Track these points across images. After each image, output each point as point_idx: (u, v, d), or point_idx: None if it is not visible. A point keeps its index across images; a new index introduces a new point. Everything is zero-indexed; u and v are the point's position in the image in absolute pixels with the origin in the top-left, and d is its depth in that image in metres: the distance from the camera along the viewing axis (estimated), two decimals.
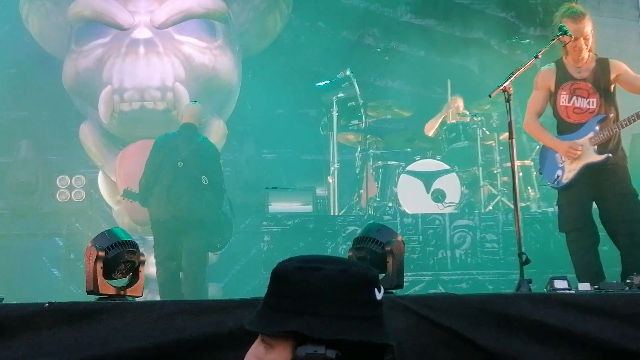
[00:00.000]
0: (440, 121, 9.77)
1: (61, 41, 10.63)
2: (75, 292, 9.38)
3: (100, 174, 10.69)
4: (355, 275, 1.84)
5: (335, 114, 9.23)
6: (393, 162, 9.23)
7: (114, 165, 10.39)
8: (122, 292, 4.20)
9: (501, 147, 9.07)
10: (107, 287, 4.14)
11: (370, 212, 8.89)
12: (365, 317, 1.83)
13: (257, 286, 9.03)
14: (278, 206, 8.82)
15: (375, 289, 1.87)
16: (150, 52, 9.99)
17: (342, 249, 8.06)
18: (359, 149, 9.62)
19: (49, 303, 3.63)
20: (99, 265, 4.11)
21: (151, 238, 10.23)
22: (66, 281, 9.92)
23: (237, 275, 10.58)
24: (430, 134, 9.82)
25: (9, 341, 3.51)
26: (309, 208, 8.83)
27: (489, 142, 9.21)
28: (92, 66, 10.15)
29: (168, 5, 10.18)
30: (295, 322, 1.80)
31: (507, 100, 5.07)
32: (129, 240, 4.26)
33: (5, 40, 11.07)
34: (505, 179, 8.95)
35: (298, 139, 11.00)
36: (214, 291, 9.92)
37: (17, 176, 10.23)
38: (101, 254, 4.12)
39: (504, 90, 5.04)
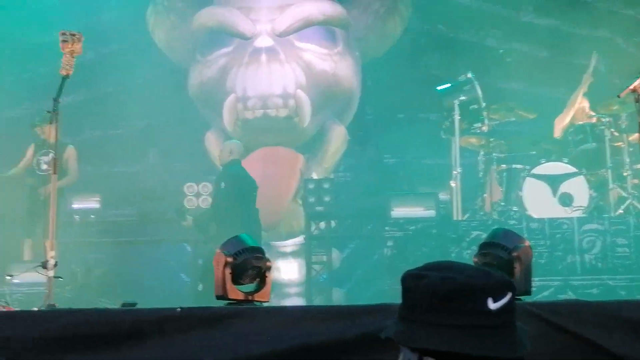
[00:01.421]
0: (570, 115, 9.48)
1: (186, 51, 10.94)
2: (206, 298, 9.57)
3: None
4: (460, 283, 1.79)
5: (457, 118, 9.11)
6: (518, 166, 9.02)
7: None
8: (250, 297, 4.26)
9: (631, 149, 8.74)
10: (236, 292, 4.20)
11: (494, 216, 8.72)
12: (469, 326, 1.78)
13: (379, 291, 8.99)
14: (400, 211, 8.78)
15: (489, 299, 1.80)
16: (272, 60, 10.15)
17: (466, 254, 7.94)
18: (481, 152, 9.46)
19: (181, 308, 3.72)
20: (228, 270, 4.19)
21: (277, 243, 10.39)
22: (195, 286, 10.14)
23: (360, 280, 10.57)
24: (559, 128, 9.54)
25: (143, 344, 3.61)
26: (431, 213, 8.76)
27: (617, 144, 8.89)
28: (216, 75, 10.40)
29: (289, 14, 10.32)
30: (395, 328, 1.80)
31: (638, 101, 4.89)
32: (256, 246, 4.33)
33: (133, 52, 11.45)
34: (636, 181, 8.63)
35: (419, 143, 10.90)
36: (337, 296, 9.98)
37: (146, 183, 10.54)
38: (230, 259, 4.20)
39: (634, 90, 4.86)
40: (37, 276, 6.18)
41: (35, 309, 5.32)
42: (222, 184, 8.87)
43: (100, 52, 10.87)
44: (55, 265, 5.14)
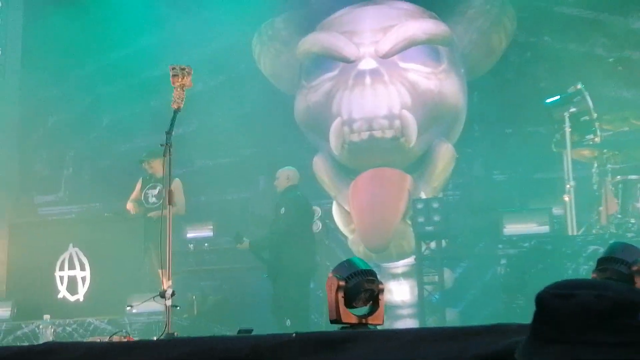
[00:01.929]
0: None
1: (291, 78, 11.10)
2: (318, 321, 9.63)
3: (334, 204, 10.98)
4: (612, 299, 1.75)
5: (568, 130, 8.91)
6: (634, 176, 8.73)
7: (347, 194, 10.65)
8: (364, 321, 4.26)
9: None
10: (349, 316, 4.21)
11: (611, 230, 8.45)
12: (622, 343, 1.74)
13: (495, 311, 8.82)
14: (513, 228, 8.63)
15: None
16: (376, 82, 10.19)
17: (583, 270, 7.71)
18: (595, 164, 9.19)
19: (296, 333, 3.74)
20: (340, 294, 4.19)
21: (388, 265, 10.36)
22: (309, 310, 10.21)
23: (473, 300, 10.40)
24: None
25: None
26: (545, 228, 8.57)
27: None
28: (321, 100, 10.51)
29: (392, 35, 10.34)
30: (550, 349, 1.75)
31: None
32: (367, 269, 4.32)
33: (240, 81, 11.71)
34: None
35: (529, 158, 10.69)
36: (450, 316, 9.86)
37: (257, 210, 10.70)
38: (342, 283, 4.20)
39: None
40: (155, 305, 6.37)
41: (155, 338, 5.47)
42: (282, 210, 9.00)
43: (208, 84, 11.16)
44: (173, 294, 5.26)
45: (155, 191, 9.67)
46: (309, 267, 9.11)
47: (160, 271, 9.12)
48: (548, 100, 9.22)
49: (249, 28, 11.54)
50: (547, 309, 1.79)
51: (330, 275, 4.30)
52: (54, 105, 12.61)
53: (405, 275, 10.61)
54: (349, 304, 4.24)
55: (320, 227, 10.41)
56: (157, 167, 9.32)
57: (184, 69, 5.47)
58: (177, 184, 9.40)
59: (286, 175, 9.27)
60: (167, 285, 5.25)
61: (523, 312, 7.99)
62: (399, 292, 10.48)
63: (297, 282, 8.95)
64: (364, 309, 4.38)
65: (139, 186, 9.85)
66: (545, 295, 1.82)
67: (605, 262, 4.17)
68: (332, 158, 10.70)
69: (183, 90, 5.49)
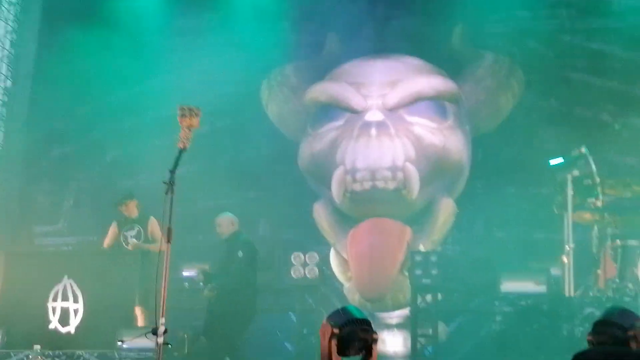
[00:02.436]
0: None
1: (297, 125, 11.20)
2: None
3: (332, 251, 10.97)
4: None
5: (570, 192, 8.94)
6: (633, 242, 8.75)
7: (345, 242, 10.65)
8: None
9: None
10: None
11: (609, 293, 8.44)
12: None
13: None
14: (510, 286, 8.61)
15: None
16: (382, 134, 10.26)
17: (578, 332, 7.71)
18: (595, 227, 9.22)
19: None
20: (334, 342, 4.17)
21: (383, 314, 10.32)
22: (300, 356, 10.15)
23: (467, 355, 10.33)
24: None
25: None
26: (542, 288, 8.57)
27: None
28: (326, 148, 10.58)
29: (400, 88, 10.44)
30: None
31: None
32: (362, 319, 4.30)
33: (246, 125, 11.79)
34: None
35: (530, 218, 10.72)
36: None
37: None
38: (336, 331, 4.18)
39: None
40: (147, 342, 6.32)
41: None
42: (240, 253, 9.12)
43: (215, 126, 11.23)
44: (165, 332, 5.23)
45: (134, 232, 10.04)
46: (253, 310, 9.32)
47: (137, 308, 9.26)
48: (552, 162, 9.27)
49: (259, 74, 11.65)
50: None
51: (324, 322, 4.28)
52: (60, 138, 12.67)
53: (399, 326, 10.57)
54: (342, 352, 4.22)
55: (317, 273, 10.39)
56: (132, 208, 10.00)
57: (192, 110, 5.51)
58: (154, 222, 9.75)
59: (230, 221, 9.39)
60: (160, 322, 5.22)
61: None
62: (392, 342, 10.43)
63: (240, 325, 9.14)
64: (356, 358, 4.36)
65: (115, 229, 10.18)
66: None
67: (601, 326, 4.17)
68: (333, 205, 10.72)
69: (190, 131, 5.52)
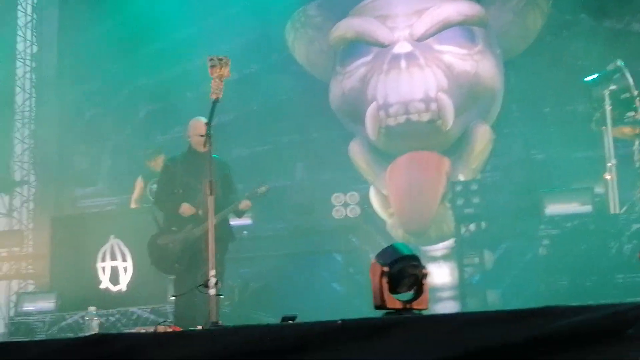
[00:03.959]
0: None
1: (326, 65, 11.10)
2: (359, 307, 9.62)
3: (371, 189, 10.96)
4: None
5: (608, 108, 8.79)
6: None
7: (384, 179, 10.63)
8: (408, 306, 4.25)
9: None
10: (394, 302, 4.20)
11: None
12: None
13: (536, 292, 8.75)
14: (555, 208, 8.55)
15: None
16: (411, 66, 10.14)
17: (627, 249, 7.65)
18: (636, 141, 9.07)
19: (342, 320, 3.74)
20: (384, 280, 4.18)
21: (428, 248, 10.34)
22: (349, 295, 10.22)
23: (515, 281, 10.32)
24: None
25: (310, 358, 3.66)
26: (588, 208, 8.48)
27: None
28: (357, 85, 10.49)
29: (426, 17, 10.29)
30: None
31: None
32: (411, 255, 4.31)
33: (275, 69, 11.72)
34: None
35: (568, 137, 10.57)
36: (491, 298, 9.82)
37: (295, 197, 10.71)
38: (385, 269, 4.19)
39: None
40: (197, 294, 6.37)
41: (199, 327, 5.50)
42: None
43: (243, 73, 11.18)
44: (216, 283, 5.28)
45: None
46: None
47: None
48: (587, 79, 9.11)
49: (283, 16, 11.52)
50: None
51: (373, 261, 4.29)
52: (91, 99, 12.73)
53: (445, 257, 10.58)
54: (393, 289, 4.24)
55: (359, 212, 10.41)
56: (159, 163, 9.83)
57: (221, 60, 5.47)
58: None
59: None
60: (210, 274, 5.27)
61: (566, 293, 7.95)
62: (439, 274, 10.45)
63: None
64: (408, 294, 4.37)
65: (141, 184, 10.34)
66: None
67: None
68: (369, 143, 10.68)
69: (222, 81, 5.49)
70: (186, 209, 7.46)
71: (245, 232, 10.49)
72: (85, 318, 8.57)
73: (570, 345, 3.36)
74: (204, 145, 5.64)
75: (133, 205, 10.48)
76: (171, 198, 7.53)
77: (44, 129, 12.62)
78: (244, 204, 7.70)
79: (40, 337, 8.94)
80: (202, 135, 5.62)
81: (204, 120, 6.02)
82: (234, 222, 10.51)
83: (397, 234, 10.49)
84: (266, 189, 7.86)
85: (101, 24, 11.84)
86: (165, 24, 11.56)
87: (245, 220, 10.42)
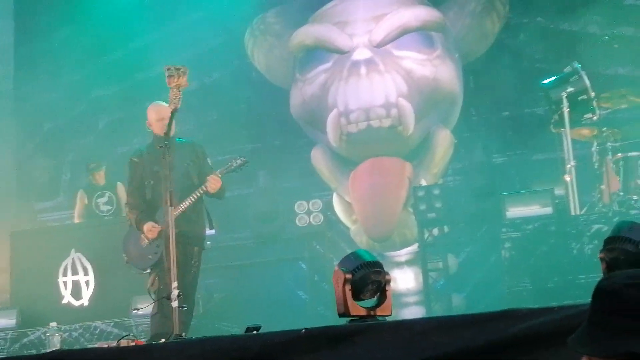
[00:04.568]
0: None
1: (286, 72, 11.08)
2: (324, 314, 9.61)
3: (334, 196, 10.96)
4: None
5: (566, 110, 8.87)
6: (634, 153, 8.71)
7: (347, 186, 10.63)
8: (372, 313, 4.24)
9: None
10: (358, 309, 4.19)
11: (614, 208, 8.44)
12: None
13: (500, 295, 8.82)
14: (516, 211, 8.60)
15: None
16: (371, 72, 10.16)
17: (588, 249, 7.72)
18: (595, 143, 9.17)
19: (305, 329, 3.73)
20: (347, 287, 4.18)
21: (392, 253, 10.36)
22: (314, 303, 10.20)
23: (479, 285, 10.38)
24: None
25: None
26: (548, 210, 8.54)
27: None
28: (317, 92, 10.49)
29: (385, 23, 10.32)
30: (635, 341, 1.70)
31: None
32: (374, 261, 4.30)
33: (234, 77, 11.67)
34: None
35: (527, 140, 10.67)
36: (456, 302, 9.86)
37: (258, 206, 10.67)
38: (348, 276, 4.19)
39: None
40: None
41: (162, 340, 5.44)
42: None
43: (203, 82, 11.12)
44: (179, 295, 5.23)
45: (105, 199, 10.37)
46: None
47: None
48: (544, 82, 9.20)
49: (241, 23, 11.48)
50: (623, 300, 1.74)
51: (336, 268, 4.28)
52: (49, 111, 12.56)
53: (409, 263, 10.61)
54: (357, 296, 4.23)
55: (322, 220, 10.39)
56: (101, 177, 10.32)
57: (179, 69, 5.43)
58: (122, 188, 9.77)
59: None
60: (173, 286, 5.22)
61: (530, 295, 8.00)
62: (403, 280, 10.48)
63: None
64: (371, 301, 4.36)
65: (83, 198, 10.49)
66: (620, 286, 1.77)
67: (612, 242, 4.15)
68: (331, 150, 10.68)
69: (179, 91, 5.45)
70: (149, 228, 6.78)
71: (208, 242, 10.41)
72: (47, 334, 8.46)
73: (531, 347, 3.38)
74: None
75: (77, 220, 10.49)
76: (142, 192, 6.97)
77: (0, 143, 12.43)
78: (211, 182, 6.86)
79: (2, 355, 8.80)
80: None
81: (163, 103, 5.96)
82: None
83: (362, 241, 10.49)
84: (242, 162, 7.13)
85: (58, 34, 11.71)
86: (123, 32, 11.49)
87: (209, 230, 10.36)
